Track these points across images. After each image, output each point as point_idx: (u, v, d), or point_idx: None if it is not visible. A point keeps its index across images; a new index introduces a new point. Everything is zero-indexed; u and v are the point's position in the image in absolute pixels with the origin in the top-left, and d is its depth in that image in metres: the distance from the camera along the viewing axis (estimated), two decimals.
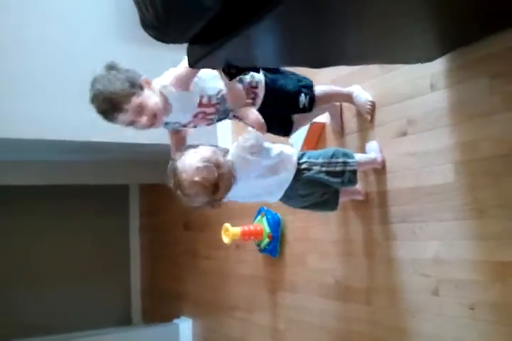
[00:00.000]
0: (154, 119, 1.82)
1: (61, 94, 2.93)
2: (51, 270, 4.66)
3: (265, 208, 2.98)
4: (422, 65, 1.96)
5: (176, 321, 4.14)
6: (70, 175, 3.97)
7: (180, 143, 2.09)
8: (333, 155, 1.95)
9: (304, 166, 1.92)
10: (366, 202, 2.31)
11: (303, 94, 2.06)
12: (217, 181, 1.69)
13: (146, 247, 5.12)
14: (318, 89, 2.13)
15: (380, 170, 2.22)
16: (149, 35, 1.49)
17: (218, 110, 1.98)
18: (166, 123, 1.97)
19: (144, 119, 1.80)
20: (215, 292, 3.72)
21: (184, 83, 1.86)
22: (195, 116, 1.95)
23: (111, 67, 1.80)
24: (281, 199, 2.02)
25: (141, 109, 1.78)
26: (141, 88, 1.80)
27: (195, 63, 1.55)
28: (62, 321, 4.44)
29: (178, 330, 4.05)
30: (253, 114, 1.91)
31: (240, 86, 1.92)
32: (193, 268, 4.07)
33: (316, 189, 1.96)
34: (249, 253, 3.25)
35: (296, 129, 2.26)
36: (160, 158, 4.11)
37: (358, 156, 2.08)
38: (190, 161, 1.71)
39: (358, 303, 2.33)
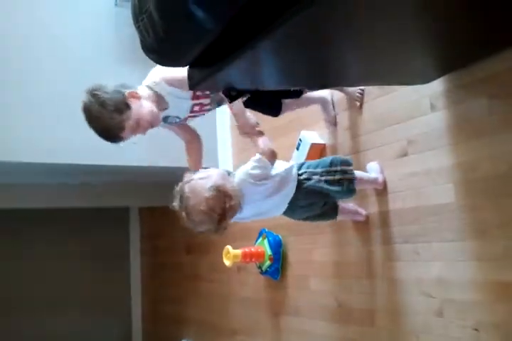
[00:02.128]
0: (152, 123, 1.90)
1: (61, 118, 2.94)
2: (50, 295, 4.61)
3: (266, 230, 2.98)
4: (421, 85, 1.98)
5: None
6: (69, 198, 3.95)
7: (197, 154, 2.14)
8: (331, 164, 1.96)
9: (303, 176, 1.92)
10: (367, 223, 2.31)
11: None
12: (225, 212, 1.68)
13: (147, 271, 5.08)
14: None
15: (381, 190, 2.22)
16: (150, 58, 1.50)
17: (213, 99, 2.00)
18: (166, 118, 2.00)
19: (141, 130, 1.89)
20: (216, 315, 3.68)
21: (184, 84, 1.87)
22: (192, 109, 1.98)
23: (93, 95, 1.81)
24: (284, 212, 2.01)
25: (137, 125, 1.85)
26: (128, 106, 1.83)
27: (195, 86, 1.57)
28: None
29: None
30: (263, 142, 1.90)
31: (248, 115, 1.92)
32: (195, 291, 4.03)
33: (316, 199, 1.96)
34: (250, 276, 3.22)
35: (285, 112, 2.28)
36: (160, 180, 4.14)
37: (359, 174, 2.08)
38: (200, 188, 1.69)
39: (362, 325, 2.31)
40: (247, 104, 1.88)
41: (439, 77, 1.94)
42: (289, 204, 1.93)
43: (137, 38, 1.46)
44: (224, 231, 1.77)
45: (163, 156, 3.25)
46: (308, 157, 2.51)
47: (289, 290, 2.86)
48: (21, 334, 4.35)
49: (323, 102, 2.48)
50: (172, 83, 1.88)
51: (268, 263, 2.87)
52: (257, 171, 1.82)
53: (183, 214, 1.72)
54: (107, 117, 1.80)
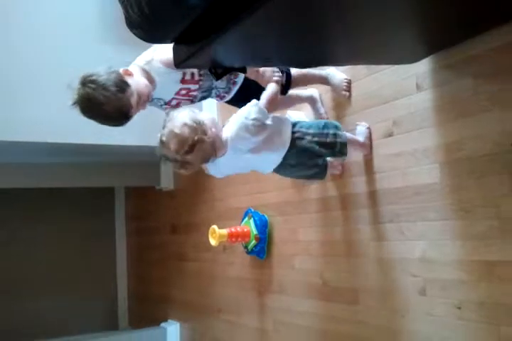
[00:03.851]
0: (149, 96, 1.92)
1: (46, 97, 2.92)
2: (36, 275, 4.62)
3: (252, 210, 2.98)
4: (407, 65, 1.98)
5: (163, 325, 4.12)
6: (54, 178, 3.93)
7: None
8: (324, 127, 1.96)
9: (296, 135, 1.91)
10: (353, 202, 2.32)
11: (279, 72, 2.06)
12: (195, 143, 1.69)
13: (132, 251, 5.10)
14: (295, 70, 2.15)
15: (366, 169, 2.23)
16: (135, 34, 1.49)
17: (201, 86, 2.00)
18: (151, 100, 2.00)
19: (144, 106, 1.92)
20: (202, 295, 3.70)
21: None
22: (178, 92, 1.97)
23: (90, 81, 1.78)
24: (274, 170, 2.01)
25: (140, 100, 1.86)
26: (127, 83, 1.82)
27: (181, 63, 1.55)
28: (48, 326, 4.41)
29: (166, 334, 4.02)
30: (271, 88, 1.88)
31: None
32: (180, 271, 4.05)
33: (305, 159, 1.95)
34: (236, 256, 3.24)
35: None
36: (146, 160, 4.13)
37: (349, 136, 2.10)
38: (183, 115, 1.74)
39: (346, 304, 2.33)
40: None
41: (425, 56, 1.93)
42: (279, 163, 1.93)
43: (122, 17, 1.43)
44: (189, 169, 1.79)
45: (150, 136, 3.23)
46: None
47: (275, 269, 2.88)
48: (7, 316, 4.36)
49: (311, 101, 2.45)
50: (164, 62, 1.87)
51: (254, 242, 2.88)
52: (254, 116, 1.81)
53: (158, 134, 1.74)
54: (114, 99, 1.78)
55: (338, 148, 1.95)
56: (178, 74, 1.93)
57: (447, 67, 1.90)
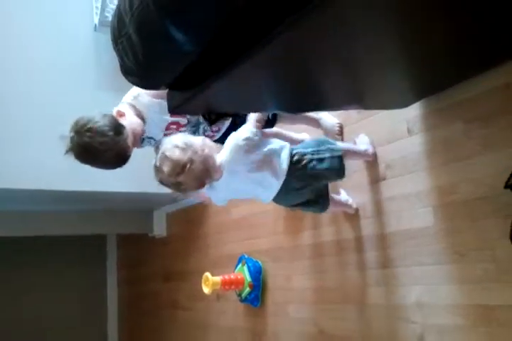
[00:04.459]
0: (142, 134, 1.95)
1: (37, 144, 2.93)
2: (24, 323, 4.50)
3: (246, 256, 2.95)
4: (398, 110, 2.01)
5: None
6: (44, 226, 3.90)
7: None
8: (320, 143, 1.97)
9: (295, 158, 1.91)
10: (346, 248, 2.30)
11: None
12: (185, 164, 1.69)
13: (124, 300, 4.99)
14: None
15: (358, 215, 2.23)
16: (130, 81, 1.50)
17: (190, 120, 2.01)
18: (141, 141, 2.00)
19: (139, 143, 1.95)
20: None
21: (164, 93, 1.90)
22: (168, 128, 1.98)
23: (87, 130, 1.78)
24: (274, 199, 1.98)
25: (135, 139, 1.89)
26: (122, 125, 1.84)
27: (175, 109, 1.56)
28: None
29: None
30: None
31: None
32: (173, 320, 3.96)
33: (309, 181, 1.94)
34: (230, 304, 3.18)
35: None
36: (139, 207, 4.12)
37: (347, 146, 2.10)
38: (174, 138, 1.76)
39: None
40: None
41: (416, 101, 1.96)
42: (281, 188, 1.91)
43: (116, 64, 1.46)
44: (184, 190, 1.77)
45: (142, 181, 3.22)
46: None
47: (269, 318, 2.82)
48: None
49: (312, 123, 2.40)
50: (150, 94, 1.91)
51: (248, 290, 2.84)
52: (246, 136, 1.83)
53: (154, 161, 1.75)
54: (112, 144, 1.79)
55: (335, 162, 1.94)
56: (165, 106, 1.92)
57: (438, 112, 1.93)
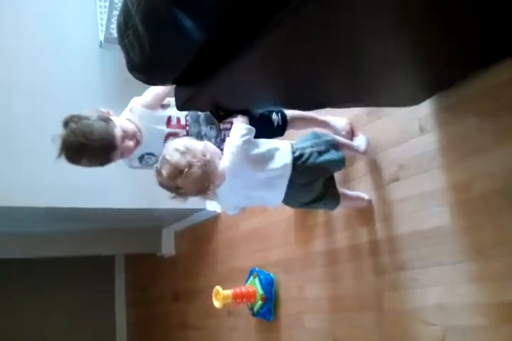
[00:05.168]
0: (135, 140, 1.91)
1: (43, 161, 2.88)
2: None
3: (257, 269, 2.89)
4: (409, 109, 1.98)
5: None
6: (51, 248, 3.85)
7: None
8: (317, 136, 1.99)
9: (297, 153, 1.90)
10: (360, 253, 2.25)
11: (274, 113, 2.10)
12: (183, 168, 1.68)
13: (133, 321, 4.90)
14: (293, 111, 2.16)
15: (372, 218, 2.18)
16: (136, 78, 1.48)
17: (189, 132, 2.00)
18: (141, 157, 1.99)
19: (130, 143, 1.89)
20: None
21: (157, 103, 1.96)
22: (166, 140, 1.95)
23: (74, 121, 1.82)
24: (284, 199, 1.95)
25: (125, 135, 1.86)
26: (109, 118, 1.87)
27: (182, 105, 1.54)
28: None
29: None
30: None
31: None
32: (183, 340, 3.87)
33: (313, 176, 1.92)
34: (241, 319, 3.10)
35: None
36: (146, 226, 4.06)
37: (340, 138, 2.10)
38: (177, 141, 1.76)
39: None
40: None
41: (427, 98, 1.94)
42: (288, 186, 1.88)
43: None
44: (181, 195, 1.75)
45: (149, 198, 3.19)
46: None
47: (283, 331, 2.74)
48: None
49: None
50: (144, 105, 1.93)
51: (260, 303, 2.76)
52: (241, 133, 1.82)
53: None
54: (98, 127, 1.80)
55: (333, 152, 1.95)
56: (162, 117, 1.97)
57: (449, 108, 1.90)
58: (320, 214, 2.50)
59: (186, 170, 1.68)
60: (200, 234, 3.77)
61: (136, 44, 1.33)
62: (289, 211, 2.69)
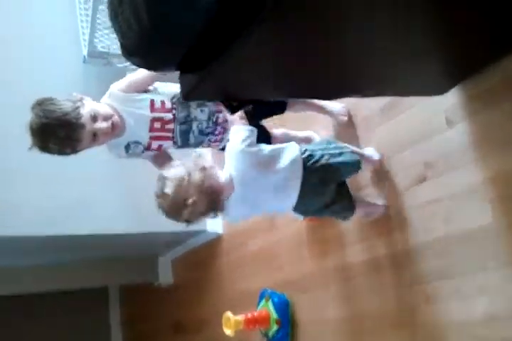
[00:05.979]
0: (112, 123, 1.80)
1: (35, 187, 2.77)
2: None
3: (269, 290, 2.65)
4: (434, 101, 1.80)
5: None
6: (38, 282, 3.62)
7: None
8: (328, 142, 1.93)
9: (307, 154, 1.80)
10: (385, 265, 2.04)
11: None
12: (187, 198, 1.58)
13: None
14: None
15: (401, 224, 1.97)
16: (133, 63, 1.31)
17: (176, 117, 1.88)
18: (127, 146, 1.89)
19: (103, 124, 1.77)
20: None
21: (138, 87, 1.86)
22: (153, 127, 1.86)
23: (39, 104, 1.75)
24: (296, 205, 1.81)
25: (95, 115, 1.76)
26: (81, 100, 1.79)
27: (188, 95, 1.34)
28: None
29: None
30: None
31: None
32: None
33: (326, 174, 1.81)
34: None
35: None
36: (141, 253, 3.84)
37: (353, 147, 1.99)
38: (176, 169, 1.64)
39: None
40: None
41: (452, 86, 1.76)
42: (300, 188, 1.75)
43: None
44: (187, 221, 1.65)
45: (140, 220, 3.01)
46: None
47: None
48: None
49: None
50: (122, 89, 1.84)
51: (275, 328, 2.52)
52: (244, 135, 1.73)
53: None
54: (61, 105, 1.72)
55: (347, 156, 1.87)
56: (144, 100, 1.86)
57: (478, 95, 1.71)
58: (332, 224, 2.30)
59: (191, 201, 1.58)
60: (199, 259, 3.57)
61: (132, 17, 1.14)
62: (299, 224, 2.49)
